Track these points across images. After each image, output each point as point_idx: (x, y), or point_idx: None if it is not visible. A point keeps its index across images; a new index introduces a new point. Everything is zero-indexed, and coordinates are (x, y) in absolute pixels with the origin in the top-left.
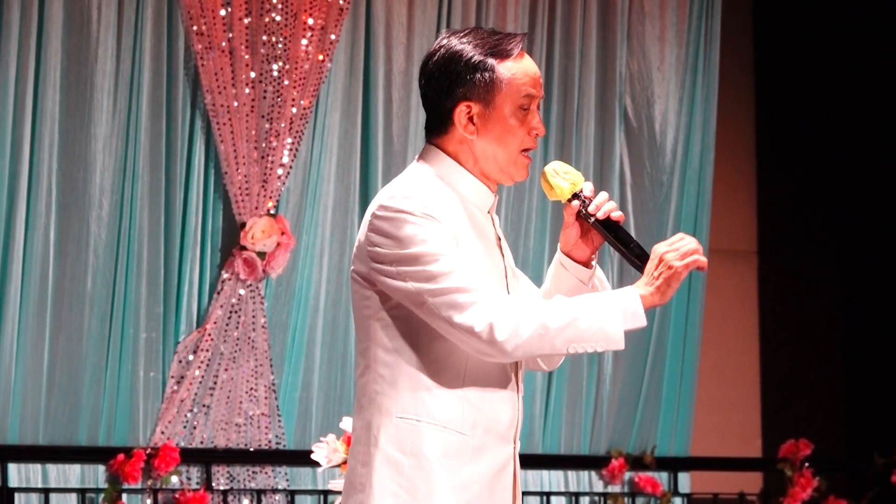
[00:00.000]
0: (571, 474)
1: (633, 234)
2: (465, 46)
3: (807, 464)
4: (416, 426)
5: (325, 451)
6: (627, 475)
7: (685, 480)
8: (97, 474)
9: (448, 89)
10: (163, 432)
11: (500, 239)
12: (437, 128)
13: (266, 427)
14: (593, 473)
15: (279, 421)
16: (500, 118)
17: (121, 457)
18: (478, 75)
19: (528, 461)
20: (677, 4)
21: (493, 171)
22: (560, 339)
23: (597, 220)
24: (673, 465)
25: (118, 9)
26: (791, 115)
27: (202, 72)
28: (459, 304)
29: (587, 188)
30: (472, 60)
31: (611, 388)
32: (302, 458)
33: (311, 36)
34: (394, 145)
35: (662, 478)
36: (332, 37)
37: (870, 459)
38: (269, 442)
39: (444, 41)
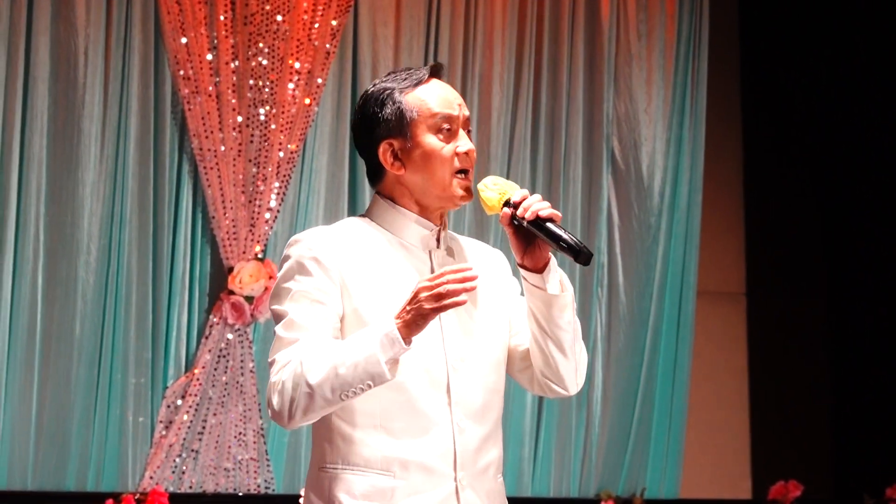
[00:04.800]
0: None
1: (619, 277)
2: (375, 89)
3: None
4: (334, 474)
5: None
6: None
7: None
8: None
9: (368, 134)
10: (151, 477)
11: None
12: (374, 175)
13: (255, 472)
14: None
15: (268, 465)
16: (420, 147)
17: (109, 502)
18: (387, 111)
19: None
20: (664, 46)
21: (432, 201)
22: (328, 392)
23: (528, 222)
24: None
25: (105, 54)
26: (778, 157)
27: (189, 116)
28: (269, 375)
29: (517, 195)
30: (381, 98)
31: (600, 430)
32: (290, 502)
33: (298, 80)
34: None
35: None
36: (319, 80)
37: (860, 500)
38: (258, 487)
39: (363, 92)
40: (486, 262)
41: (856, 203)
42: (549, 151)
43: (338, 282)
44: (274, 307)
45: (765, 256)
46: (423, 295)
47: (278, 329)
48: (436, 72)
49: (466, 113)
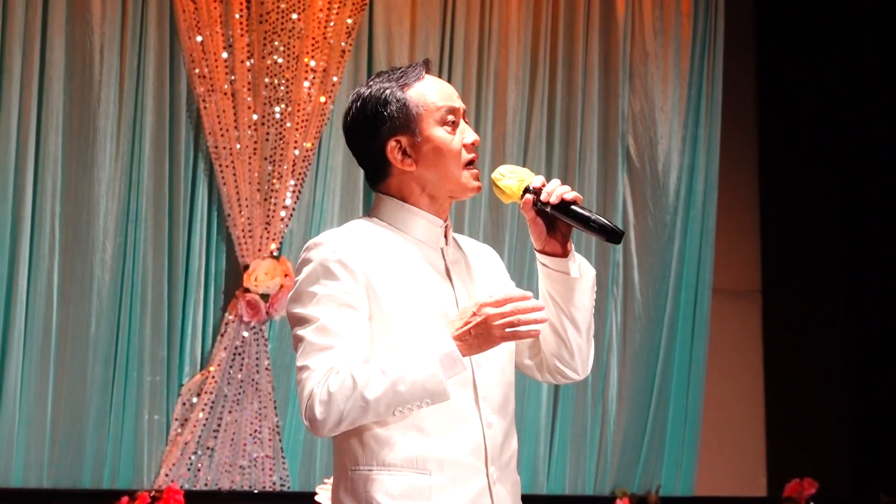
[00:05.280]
0: None
1: (635, 275)
2: (372, 90)
3: (812, 503)
4: (368, 476)
5: (329, 492)
6: None
7: None
8: None
9: (372, 134)
10: (167, 475)
11: (448, 271)
12: (377, 175)
13: (270, 469)
14: None
15: (283, 463)
16: (430, 141)
17: (125, 500)
18: (392, 109)
19: (533, 502)
20: (679, 44)
21: (444, 193)
22: (383, 408)
23: (552, 206)
24: None
25: (120, 53)
26: (793, 155)
27: (204, 114)
28: (299, 381)
29: (537, 181)
30: (383, 97)
31: (615, 428)
32: (306, 499)
33: (314, 78)
34: None
35: None
36: (335, 79)
37: (875, 498)
38: (274, 484)
39: (353, 95)
40: (484, 258)
41: (870, 202)
42: (564, 149)
43: (363, 284)
44: (297, 311)
45: (780, 254)
46: (497, 323)
47: (307, 334)
48: (428, 67)
49: (464, 105)
